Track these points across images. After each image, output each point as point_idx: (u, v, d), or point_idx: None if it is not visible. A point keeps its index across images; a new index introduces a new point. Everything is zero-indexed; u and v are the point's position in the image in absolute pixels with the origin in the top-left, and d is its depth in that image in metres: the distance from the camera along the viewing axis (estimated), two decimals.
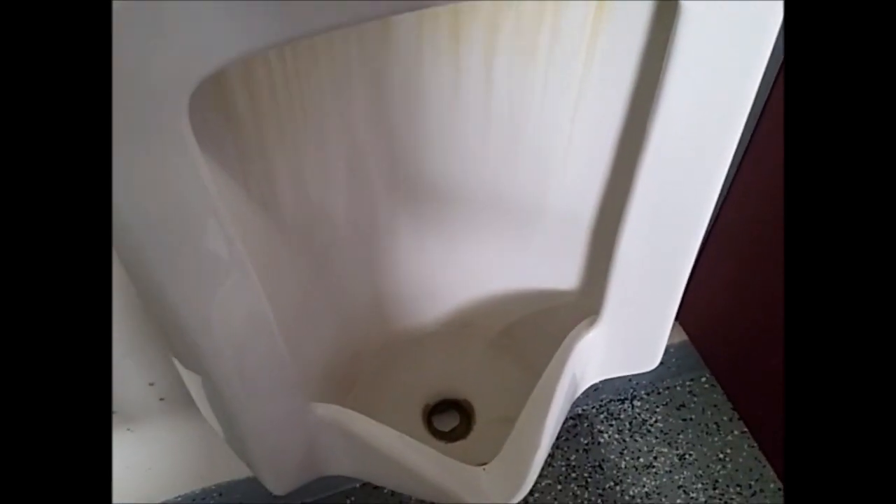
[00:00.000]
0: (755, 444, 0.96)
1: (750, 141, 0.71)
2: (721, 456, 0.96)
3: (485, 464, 0.53)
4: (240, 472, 0.79)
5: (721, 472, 0.94)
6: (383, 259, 0.61)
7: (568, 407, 0.58)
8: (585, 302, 0.59)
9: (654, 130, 0.42)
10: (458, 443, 0.67)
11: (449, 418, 0.70)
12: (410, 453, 0.52)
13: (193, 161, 0.34)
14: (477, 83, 0.49)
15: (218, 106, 0.42)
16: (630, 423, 0.98)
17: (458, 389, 0.70)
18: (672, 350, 0.99)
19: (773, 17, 0.37)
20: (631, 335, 0.58)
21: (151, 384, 0.72)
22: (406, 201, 0.57)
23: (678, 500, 0.91)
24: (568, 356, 0.55)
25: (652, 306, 0.56)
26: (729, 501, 0.91)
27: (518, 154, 0.54)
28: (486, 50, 0.47)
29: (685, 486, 0.93)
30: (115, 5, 0.27)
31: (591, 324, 0.56)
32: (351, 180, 0.53)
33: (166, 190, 0.34)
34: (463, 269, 0.64)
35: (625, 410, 1.00)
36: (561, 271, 0.63)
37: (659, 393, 1.02)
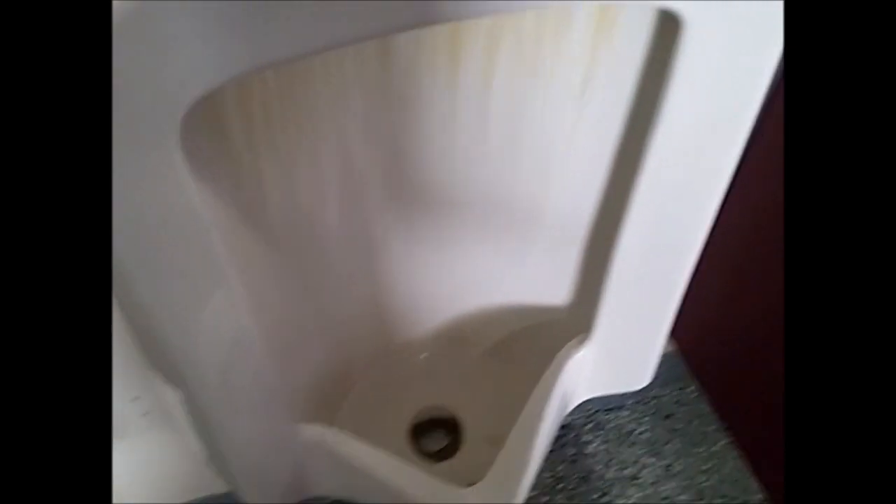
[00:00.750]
0: (740, 456, 0.96)
1: (746, 153, 0.71)
2: (706, 467, 0.95)
3: (473, 484, 0.52)
4: (221, 486, 0.77)
5: (706, 484, 0.94)
6: (376, 275, 0.60)
7: (557, 425, 0.57)
8: (577, 318, 0.58)
9: (653, 147, 0.42)
10: (445, 462, 0.66)
11: (438, 437, 0.69)
12: (397, 475, 0.51)
13: (183, 180, 0.34)
14: (475, 100, 0.48)
15: (210, 123, 0.41)
16: (617, 434, 0.98)
17: (448, 407, 0.69)
18: (660, 360, 0.98)
19: (776, 37, 0.37)
20: (622, 353, 0.57)
21: (136, 398, 0.70)
22: (400, 217, 0.56)
23: None
24: (558, 375, 0.55)
25: (644, 324, 0.55)
26: None
27: (515, 169, 0.53)
28: (485, 67, 0.46)
29: (670, 497, 0.92)
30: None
31: (582, 341, 0.56)
32: (344, 198, 0.52)
33: (155, 208, 0.33)
34: (456, 283, 0.64)
35: (611, 420, 0.99)
36: (554, 286, 0.62)
37: (646, 403, 1.01)
